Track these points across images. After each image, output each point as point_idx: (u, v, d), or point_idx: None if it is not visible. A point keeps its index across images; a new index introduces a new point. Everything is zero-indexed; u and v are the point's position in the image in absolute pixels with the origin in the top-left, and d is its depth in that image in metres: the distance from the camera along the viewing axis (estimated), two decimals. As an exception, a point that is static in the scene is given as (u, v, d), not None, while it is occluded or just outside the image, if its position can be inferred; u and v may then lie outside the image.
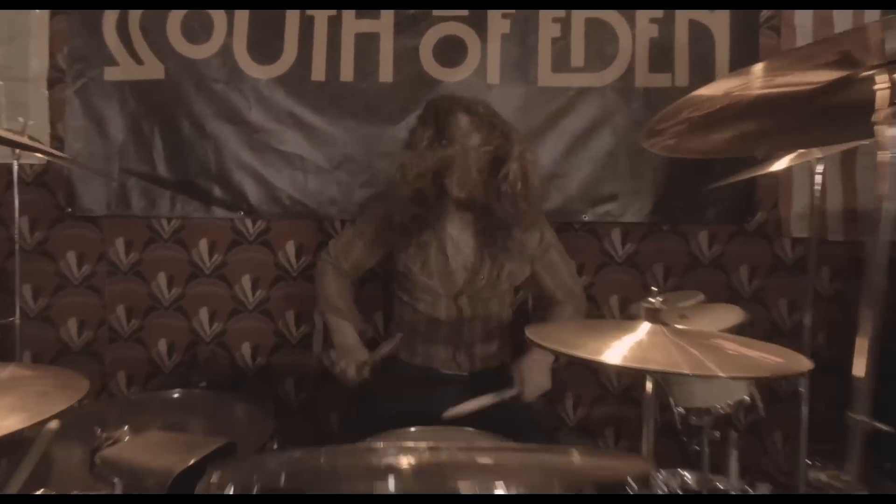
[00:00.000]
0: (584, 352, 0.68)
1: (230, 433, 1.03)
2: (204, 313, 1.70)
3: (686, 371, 0.59)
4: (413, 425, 1.12)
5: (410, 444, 0.56)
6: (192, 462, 0.56)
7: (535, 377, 1.12)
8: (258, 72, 1.61)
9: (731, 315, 1.08)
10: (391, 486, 0.45)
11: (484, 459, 0.52)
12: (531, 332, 0.77)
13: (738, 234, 1.66)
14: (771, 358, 0.64)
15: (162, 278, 1.69)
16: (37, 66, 1.64)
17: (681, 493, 1.00)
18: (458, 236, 1.20)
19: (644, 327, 0.73)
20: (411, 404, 1.19)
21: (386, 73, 1.61)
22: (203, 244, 1.68)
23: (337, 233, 1.67)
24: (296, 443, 1.61)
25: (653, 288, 0.74)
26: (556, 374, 1.21)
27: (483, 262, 1.20)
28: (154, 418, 1.07)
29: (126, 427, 0.70)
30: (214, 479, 0.47)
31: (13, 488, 0.72)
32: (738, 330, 0.98)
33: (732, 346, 0.67)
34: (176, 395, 1.20)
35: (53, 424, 0.78)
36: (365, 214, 1.32)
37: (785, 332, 1.68)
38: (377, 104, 1.61)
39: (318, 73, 1.61)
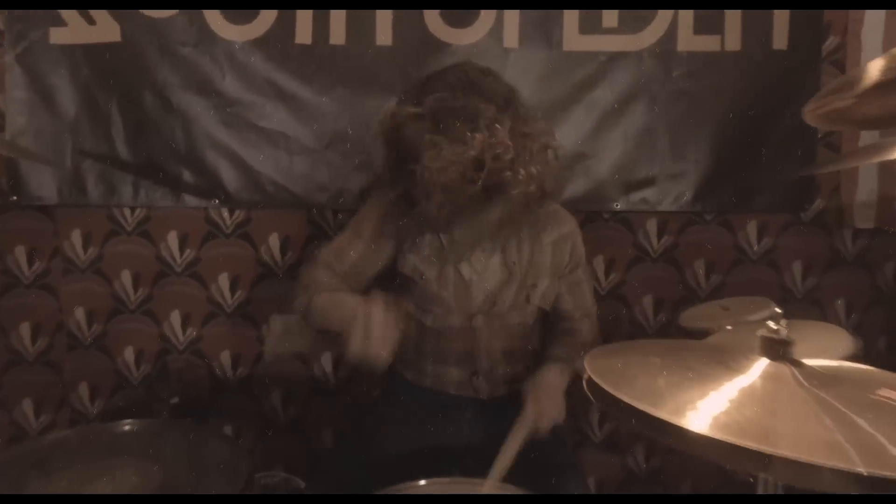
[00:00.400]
0: (667, 412, 0.45)
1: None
2: (176, 317, 1.47)
3: (859, 468, 0.37)
4: (422, 463, 0.92)
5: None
6: None
7: (546, 408, 0.89)
8: (232, 33, 1.35)
9: (837, 343, 0.84)
10: None
11: None
12: (591, 366, 0.55)
13: (792, 224, 1.44)
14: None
15: (126, 277, 1.46)
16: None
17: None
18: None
19: (760, 367, 0.51)
20: (419, 434, 0.99)
21: (384, 34, 1.36)
22: (172, 238, 1.45)
23: (329, 224, 1.45)
24: (285, 466, 1.42)
25: (776, 309, 0.52)
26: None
27: (510, 280, 0.98)
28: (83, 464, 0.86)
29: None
30: None
31: None
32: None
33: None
34: (126, 428, 0.97)
35: None
36: (365, 206, 1.05)
37: (842, 336, 1.47)
38: (374, 72, 1.36)
39: (304, 34, 1.36)
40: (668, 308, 1.46)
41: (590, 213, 1.41)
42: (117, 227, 1.45)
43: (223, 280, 1.46)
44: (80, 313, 1.47)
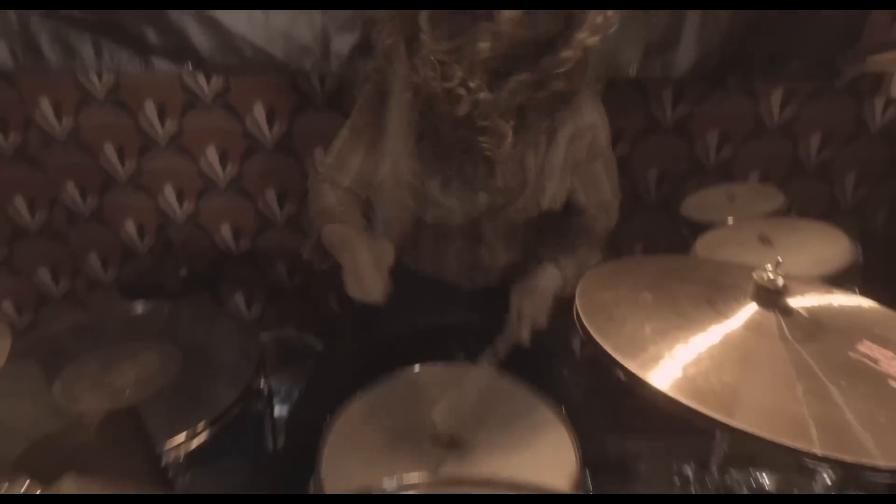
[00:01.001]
0: (639, 364, 0.47)
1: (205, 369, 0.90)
2: (170, 191, 1.45)
3: (816, 449, 0.38)
4: (420, 344, 1.00)
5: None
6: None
7: (534, 312, 0.87)
8: None
9: (834, 248, 0.83)
10: None
11: None
12: (581, 300, 0.56)
13: (823, 93, 1.32)
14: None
15: (110, 149, 1.40)
16: None
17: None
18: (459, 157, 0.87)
19: (747, 313, 0.51)
20: (415, 316, 1.04)
21: None
22: (150, 107, 1.35)
23: (316, 92, 1.33)
24: (295, 328, 1.54)
25: (778, 259, 0.50)
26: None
27: (521, 186, 0.90)
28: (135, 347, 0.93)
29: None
30: None
31: None
32: (844, 274, 0.75)
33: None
34: (140, 311, 1.03)
35: None
36: (361, 100, 0.91)
37: (843, 209, 1.46)
38: None
39: None
40: (672, 182, 1.42)
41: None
42: (87, 95, 1.34)
43: (211, 153, 1.40)
44: (71, 187, 1.45)
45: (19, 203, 1.47)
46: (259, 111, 1.35)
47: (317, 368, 1.11)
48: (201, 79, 1.32)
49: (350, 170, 0.91)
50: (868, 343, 0.46)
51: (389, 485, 0.50)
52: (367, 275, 0.75)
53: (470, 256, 0.99)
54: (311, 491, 0.69)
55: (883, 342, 0.48)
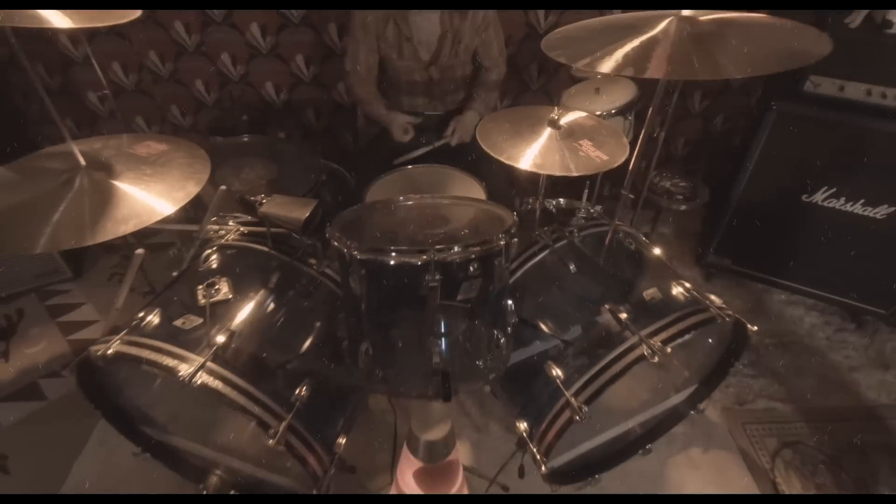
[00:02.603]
0: (506, 157, 1.17)
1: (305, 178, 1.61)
2: (226, 57, 2.01)
3: (557, 173, 1.11)
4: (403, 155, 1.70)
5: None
6: (307, 214, 1.14)
7: (461, 132, 1.67)
8: None
9: (628, 91, 1.50)
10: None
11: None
12: (482, 140, 1.24)
13: None
14: (602, 156, 1.15)
15: (179, 26, 1.93)
16: None
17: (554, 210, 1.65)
18: (424, 26, 1.52)
19: (546, 133, 1.21)
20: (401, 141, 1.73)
21: None
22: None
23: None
24: (321, 157, 2.22)
25: (557, 108, 1.18)
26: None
27: (445, 43, 1.55)
28: (243, 161, 1.62)
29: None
30: (332, 231, 1.04)
31: (118, 303, 1.29)
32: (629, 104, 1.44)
33: (588, 147, 1.17)
34: (245, 140, 1.71)
35: (140, 251, 1.31)
36: (352, 24, 1.57)
37: (693, 114, 2.05)
38: None
39: None
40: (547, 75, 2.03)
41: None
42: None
43: (255, 28, 1.93)
44: (153, 55, 2.00)
45: (116, 67, 2.03)
46: (255, 30, 1.86)
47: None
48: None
49: (362, 62, 1.59)
50: (586, 142, 1.16)
51: (402, 198, 1.23)
52: (397, 125, 1.46)
53: (430, 93, 1.68)
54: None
55: (597, 143, 1.18)
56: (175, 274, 1.27)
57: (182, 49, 1.98)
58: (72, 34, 1.92)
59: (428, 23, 1.52)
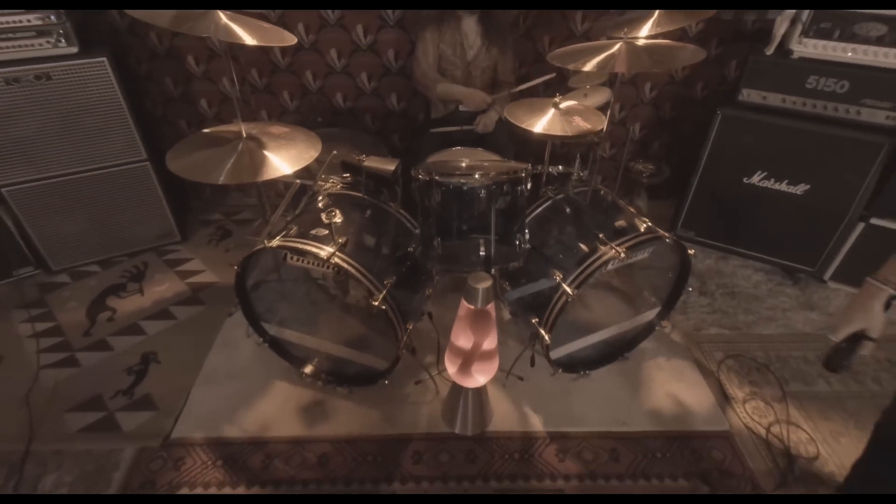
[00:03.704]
0: (527, 124, 1.79)
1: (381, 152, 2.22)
2: (308, 74, 2.66)
3: (558, 133, 1.72)
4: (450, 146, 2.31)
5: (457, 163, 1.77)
6: (395, 166, 1.75)
7: (485, 123, 2.28)
8: None
9: (605, 95, 2.13)
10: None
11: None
12: (509, 114, 1.86)
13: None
14: (587, 126, 1.76)
15: (276, 50, 2.58)
16: None
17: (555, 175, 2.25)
18: (471, 37, 2.17)
19: (551, 111, 1.82)
20: (444, 134, 2.35)
21: None
22: (301, 28, 2.50)
23: (388, 17, 2.48)
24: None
25: (558, 96, 1.79)
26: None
27: (483, 54, 2.19)
28: (332, 144, 2.23)
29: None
30: (418, 171, 1.66)
31: (274, 218, 1.92)
32: (606, 104, 2.06)
33: (579, 120, 1.77)
34: (335, 130, 2.33)
35: (297, 181, 1.93)
36: (420, 35, 2.25)
37: (645, 102, 2.69)
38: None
39: None
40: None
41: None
42: (264, 19, 2.48)
43: (333, 53, 2.58)
44: (254, 72, 2.65)
45: (224, 81, 2.68)
46: (360, 30, 2.51)
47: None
48: (330, 12, 2.46)
49: (431, 61, 2.22)
50: (577, 118, 1.77)
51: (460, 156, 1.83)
52: (477, 99, 2.11)
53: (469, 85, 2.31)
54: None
55: (584, 117, 1.79)
56: (299, 210, 1.87)
57: (276, 67, 2.64)
58: (196, 56, 2.58)
59: (472, 31, 2.19)
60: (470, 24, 2.20)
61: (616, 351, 2.06)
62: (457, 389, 1.77)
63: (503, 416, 1.86)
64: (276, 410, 1.86)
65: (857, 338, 1.13)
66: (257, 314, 1.88)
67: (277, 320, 1.95)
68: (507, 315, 2.26)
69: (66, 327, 2.20)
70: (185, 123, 2.80)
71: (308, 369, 1.95)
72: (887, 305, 1.07)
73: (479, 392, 1.77)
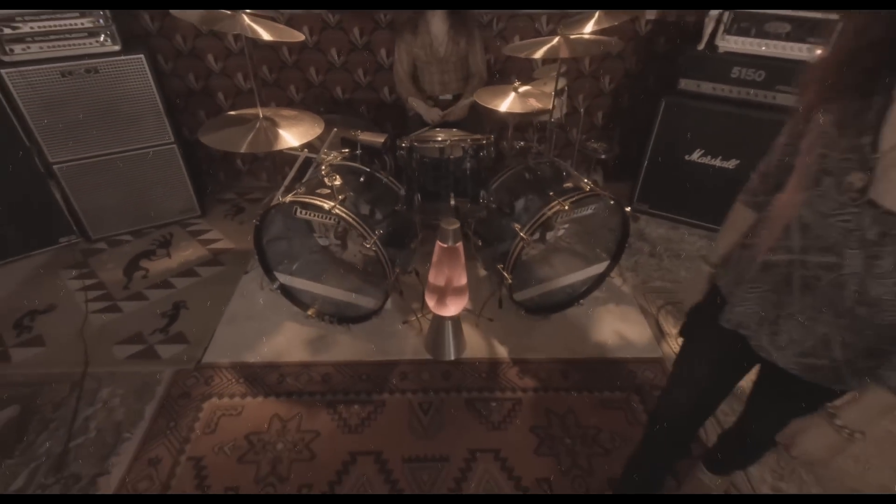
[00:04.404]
0: (493, 105, 2.19)
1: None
2: (312, 70, 3.07)
3: (518, 111, 2.12)
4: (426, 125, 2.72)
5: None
6: (384, 138, 2.15)
7: (458, 111, 2.65)
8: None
9: (561, 83, 2.53)
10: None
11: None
12: (478, 97, 2.26)
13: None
14: (539, 105, 2.16)
15: (284, 49, 2.99)
16: None
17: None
18: (440, 36, 2.55)
19: (512, 94, 2.22)
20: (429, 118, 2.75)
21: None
22: (306, 30, 2.91)
23: (382, 20, 2.89)
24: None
25: (517, 82, 2.19)
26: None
27: (452, 48, 2.58)
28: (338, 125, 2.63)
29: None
30: (402, 142, 2.06)
31: (286, 183, 2.33)
32: (561, 90, 2.46)
33: (533, 101, 2.17)
34: (336, 116, 2.73)
35: (304, 152, 2.34)
36: (396, 43, 2.62)
37: (604, 93, 3.10)
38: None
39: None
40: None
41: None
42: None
43: (333, 52, 2.99)
44: (264, 69, 3.06)
45: (238, 78, 3.09)
46: (356, 32, 2.92)
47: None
48: (330, 14, 2.87)
49: (408, 69, 2.59)
50: (532, 99, 2.16)
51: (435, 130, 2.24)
52: (432, 114, 2.49)
53: (442, 84, 2.70)
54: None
55: (537, 99, 2.19)
56: (306, 177, 2.27)
57: (284, 64, 3.05)
58: (215, 54, 2.98)
59: (440, 31, 2.57)
60: (438, 24, 2.55)
61: (573, 298, 2.45)
62: (436, 322, 2.16)
63: (475, 347, 2.25)
64: (286, 343, 2.25)
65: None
66: (271, 264, 2.28)
67: (287, 270, 2.34)
68: (482, 272, 2.65)
69: (108, 283, 2.60)
70: (205, 114, 3.20)
71: (312, 312, 2.34)
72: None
73: (455, 324, 2.16)
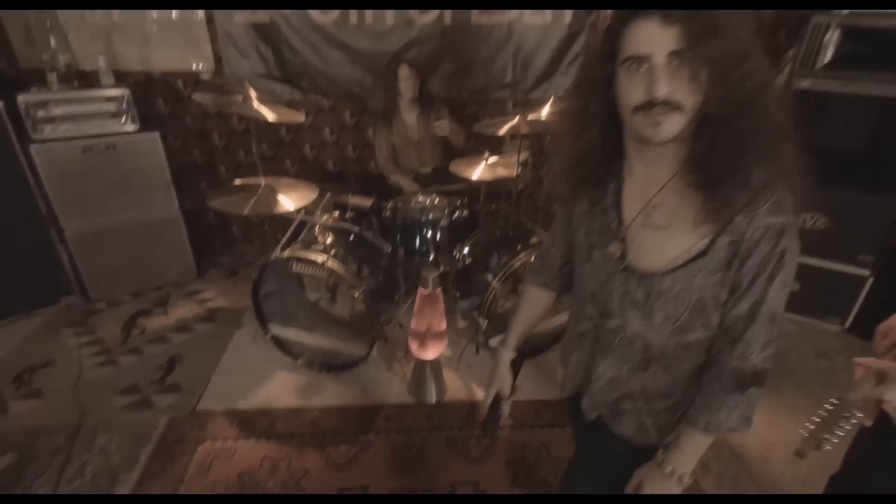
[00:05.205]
0: (466, 173, 2.53)
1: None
2: (307, 146, 3.44)
3: (487, 178, 2.46)
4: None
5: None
6: (372, 201, 2.45)
7: (440, 126, 2.97)
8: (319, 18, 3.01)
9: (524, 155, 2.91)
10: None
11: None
12: (453, 167, 2.61)
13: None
14: (505, 173, 2.50)
15: (284, 129, 3.37)
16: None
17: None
18: (412, 124, 2.93)
19: (483, 163, 2.57)
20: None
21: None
22: (303, 111, 3.31)
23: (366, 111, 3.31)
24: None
25: (487, 153, 2.55)
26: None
27: (424, 131, 2.95)
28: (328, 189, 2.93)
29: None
30: (387, 204, 2.36)
31: (283, 241, 2.61)
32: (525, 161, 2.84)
33: (500, 170, 2.52)
34: (328, 184, 3.05)
35: (301, 214, 2.63)
36: (375, 133, 3.00)
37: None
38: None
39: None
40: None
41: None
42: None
43: (327, 131, 3.38)
44: (265, 146, 3.41)
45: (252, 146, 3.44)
46: (347, 116, 3.33)
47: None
48: (324, 100, 3.28)
49: (386, 151, 2.96)
50: (500, 168, 2.51)
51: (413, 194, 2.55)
52: (413, 188, 2.84)
53: (420, 157, 3.05)
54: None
55: (504, 167, 2.54)
56: (301, 236, 2.53)
57: (282, 141, 3.41)
58: (220, 133, 3.35)
59: (411, 118, 2.94)
60: (408, 114, 2.91)
61: (546, 344, 2.66)
62: (419, 366, 2.34)
63: (455, 390, 2.41)
64: (278, 390, 2.39)
65: (497, 401, 1.21)
66: (265, 316, 2.47)
67: (280, 322, 2.53)
68: (461, 323, 2.86)
69: (106, 339, 2.73)
70: (206, 185, 3.50)
71: (302, 361, 2.51)
72: (515, 365, 1.21)
73: (436, 368, 2.34)
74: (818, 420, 0.86)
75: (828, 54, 2.31)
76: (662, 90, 0.77)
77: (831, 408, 0.85)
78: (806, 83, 2.36)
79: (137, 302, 3.07)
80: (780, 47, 2.71)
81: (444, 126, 2.76)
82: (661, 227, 0.89)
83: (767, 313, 0.86)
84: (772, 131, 0.79)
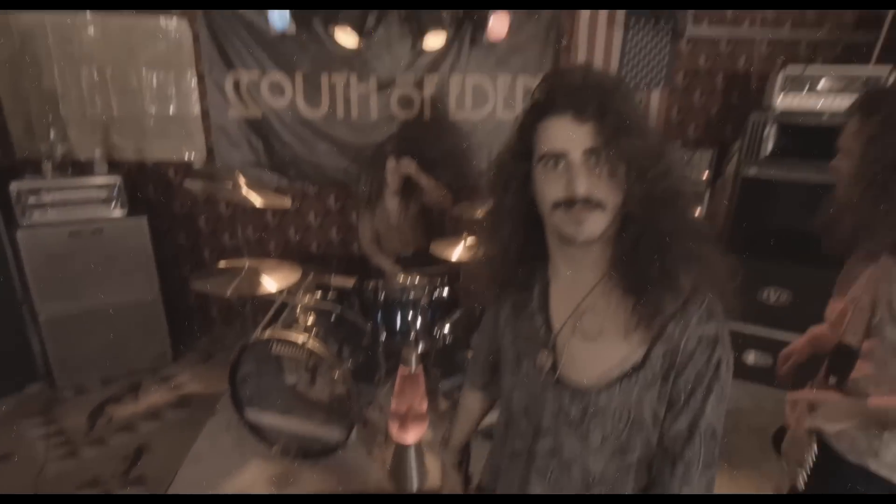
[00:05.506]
0: (446, 254, 2.63)
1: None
2: (292, 230, 3.54)
3: (464, 259, 2.56)
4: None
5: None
6: (354, 281, 2.50)
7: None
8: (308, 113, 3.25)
9: None
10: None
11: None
12: (434, 248, 2.71)
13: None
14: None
15: (269, 213, 3.49)
16: (192, 109, 3.20)
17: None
18: (393, 209, 3.08)
19: (462, 244, 2.68)
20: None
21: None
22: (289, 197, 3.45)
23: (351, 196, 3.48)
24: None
25: (466, 235, 2.68)
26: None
27: (404, 216, 3.08)
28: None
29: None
30: (368, 284, 2.41)
31: (264, 322, 2.64)
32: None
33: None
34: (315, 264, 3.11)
35: (282, 296, 2.68)
36: (358, 218, 3.14)
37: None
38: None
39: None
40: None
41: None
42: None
43: (312, 216, 3.51)
44: (250, 229, 3.51)
45: (241, 233, 3.51)
46: (331, 201, 3.49)
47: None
48: (311, 187, 3.44)
49: (369, 235, 3.07)
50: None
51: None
52: (390, 269, 2.91)
53: (402, 239, 3.14)
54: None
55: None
56: (282, 317, 2.54)
57: (267, 225, 3.52)
58: (206, 217, 3.44)
59: (393, 205, 3.08)
60: (391, 201, 3.03)
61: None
62: (399, 452, 2.27)
63: (438, 475, 2.32)
64: (251, 479, 2.27)
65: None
66: (241, 400, 2.40)
67: (256, 407, 2.46)
68: (443, 405, 2.81)
69: (69, 429, 2.60)
70: (189, 269, 3.53)
71: (276, 449, 2.41)
72: (462, 463, 1.22)
73: (418, 453, 2.27)
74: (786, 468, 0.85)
75: (769, 146, 2.57)
76: (582, 187, 0.75)
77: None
78: (752, 171, 2.59)
79: (107, 389, 2.96)
80: (727, 140, 3.01)
81: (408, 164, 2.85)
82: (593, 335, 0.83)
83: (707, 430, 0.80)
84: (694, 233, 0.78)
